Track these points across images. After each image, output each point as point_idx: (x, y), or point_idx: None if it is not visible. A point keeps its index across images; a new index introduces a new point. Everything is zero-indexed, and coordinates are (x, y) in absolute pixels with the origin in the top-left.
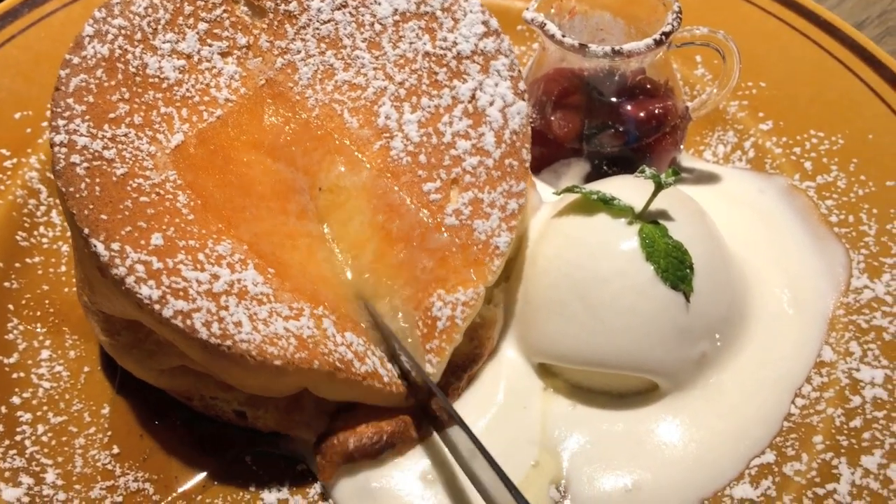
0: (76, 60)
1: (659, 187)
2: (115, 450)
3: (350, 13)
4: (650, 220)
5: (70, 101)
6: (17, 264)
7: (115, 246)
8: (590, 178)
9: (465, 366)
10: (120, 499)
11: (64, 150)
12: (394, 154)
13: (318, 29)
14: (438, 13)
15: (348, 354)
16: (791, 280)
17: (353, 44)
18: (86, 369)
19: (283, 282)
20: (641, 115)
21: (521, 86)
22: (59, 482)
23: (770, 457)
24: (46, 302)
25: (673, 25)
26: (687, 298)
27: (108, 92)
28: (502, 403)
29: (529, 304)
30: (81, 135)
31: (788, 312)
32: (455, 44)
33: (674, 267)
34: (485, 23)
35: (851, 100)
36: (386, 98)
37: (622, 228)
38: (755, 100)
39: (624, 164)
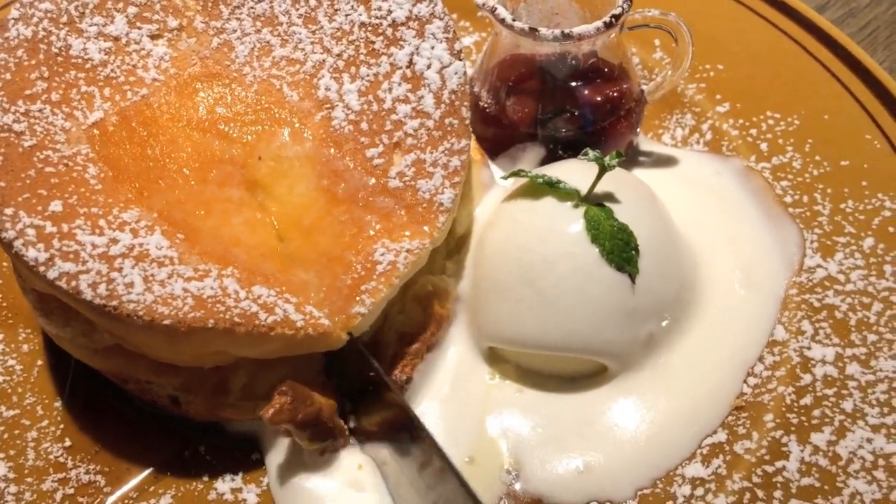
0: None
1: (603, 170)
2: (68, 442)
3: None
4: (596, 203)
5: None
6: None
7: (9, 211)
8: (545, 162)
9: (417, 334)
10: (72, 491)
11: None
12: (335, 124)
13: (252, 8)
14: None
15: (253, 308)
16: (744, 260)
17: (288, 20)
18: (38, 363)
19: (192, 245)
20: (596, 98)
21: (457, 46)
22: (11, 475)
23: (722, 436)
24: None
25: (623, 8)
26: (632, 280)
27: (27, 70)
28: (447, 391)
29: (478, 288)
30: None
31: (740, 293)
32: (390, 12)
33: (619, 249)
34: None
35: (808, 80)
36: (325, 70)
37: (568, 211)
38: (713, 82)
39: (580, 148)
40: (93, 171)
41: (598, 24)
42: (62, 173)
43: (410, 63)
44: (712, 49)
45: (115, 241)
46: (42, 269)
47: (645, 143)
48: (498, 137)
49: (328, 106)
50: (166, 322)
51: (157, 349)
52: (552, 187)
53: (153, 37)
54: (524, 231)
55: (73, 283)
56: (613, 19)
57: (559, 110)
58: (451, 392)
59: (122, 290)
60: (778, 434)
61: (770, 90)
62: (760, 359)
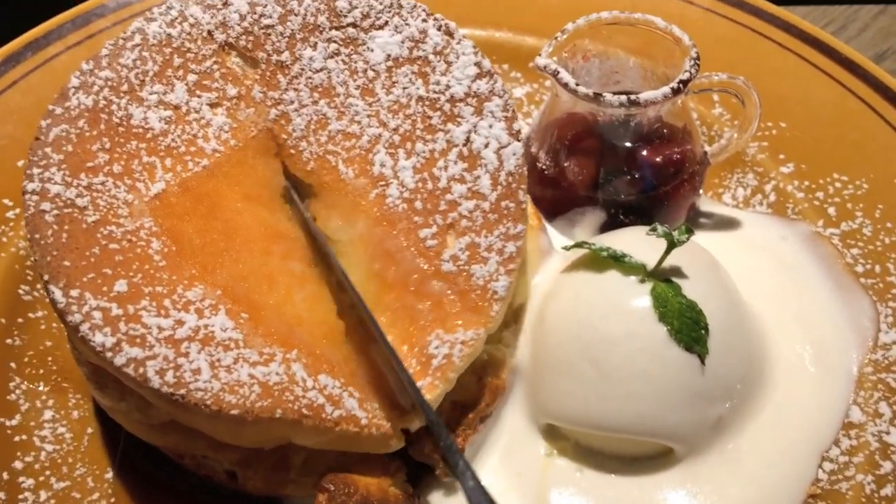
0: (59, 111)
1: (672, 245)
2: None
3: (343, 61)
4: (662, 278)
5: (48, 149)
6: (20, 319)
7: (74, 292)
8: (605, 227)
9: (472, 404)
10: None
11: (35, 197)
12: (389, 202)
13: (310, 78)
14: (431, 57)
15: (319, 399)
16: (813, 335)
17: (346, 91)
18: (89, 430)
19: (256, 326)
20: (659, 161)
21: (516, 126)
22: None
23: None
24: (49, 359)
25: (691, 73)
26: (702, 360)
27: (89, 142)
28: (501, 466)
29: (538, 362)
30: (55, 183)
31: (810, 370)
32: (448, 87)
33: (688, 328)
34: (477, 64)
35: (876, 142)
36: (380, 145)
37: (633, 287)
38: (776, 141)
39: (641, 212)
40: (156, 246)
41: (666, 90)
42: (126, 249)
43: (467, 141)
44: (774, 106)
45: (180, 322)
46: (109, 354)
47: (705, 202)
48: (556, 200)
49: (383, 183)
50: (234, 412)
51: (220, 434)
52: (617, 261)
53: (212, 105)
54: (587, 307)
55: (141, 371)
56: (681, 85)
57: (620, 172)
58: (506, 467)
59: (189, 377)
60: None
61: (836, 150)
62: (836, 442)
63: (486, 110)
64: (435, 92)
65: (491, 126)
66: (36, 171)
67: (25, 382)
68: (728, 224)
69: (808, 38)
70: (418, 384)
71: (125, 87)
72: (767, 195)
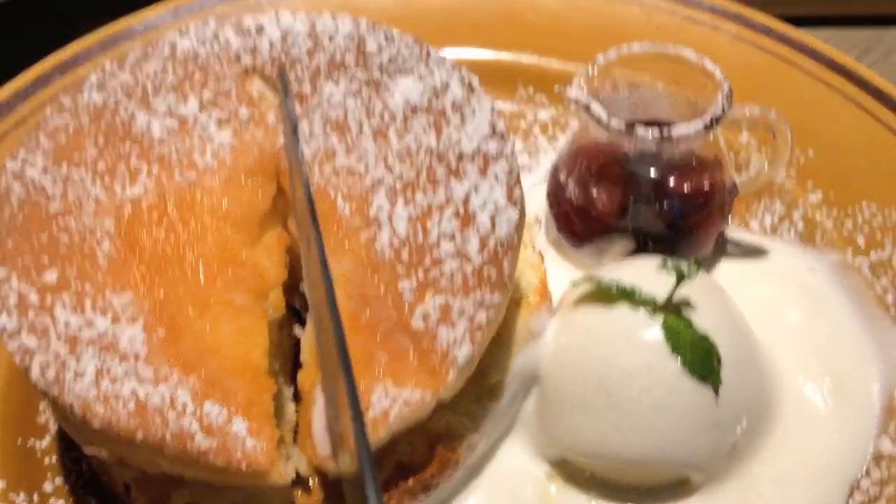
0: (67, 103)
1: (681, 280)
2: None
3: (362, 101)
4: (673, 310)
5: (41, 136)
6: None
7: (2, 272)
8: (634, 255)
9: (416, 471)
10: None
11: (10, 176)
12: (378, 247)
13: (327, 112)
14: (448, 110)
15: (192, 427)
16: (837, 366)
17: (359, 130)
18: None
19: (167, 346)
20: (689, 191)
21: (517, 192)
22: None
23: None
24: None
25: (724, 108)
26: (715, 390)
27: (84, 136)
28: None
29: (549, 400)
30: (35, 167)
31: (828, 401)
32: (459, 142)
33: (700, 359)
34: (492, 124)
35: None
36: (382, 189)
37: (645, 321)
38: (803, 168)
39: (670, 241)
40: (105, 248)
41: (698, 125)
42: (74, 244)
43: (466, 200)
44: (802, 133)
45: (90, 323)
46: (5, 336)
47: (731, 229)
48: (585, 228)
49: (376, 226)
50: (95, 423)
51: (95, 443)
52: (627, 295)
53: (221, 123)
54: (599, 342)
55: (27, 360)
56: (714, 121)
57: (649, 202)
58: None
59: (70, 378)
60: None
61: (865, 179)
62: (867, 472)
63: (490, 172)
64: (445, 145)
65: (491, 189)
66: (22, 151)
67: None
68: (755, 252)
69: (837, 66)
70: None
71: (139, 93)
72: (795, 223)
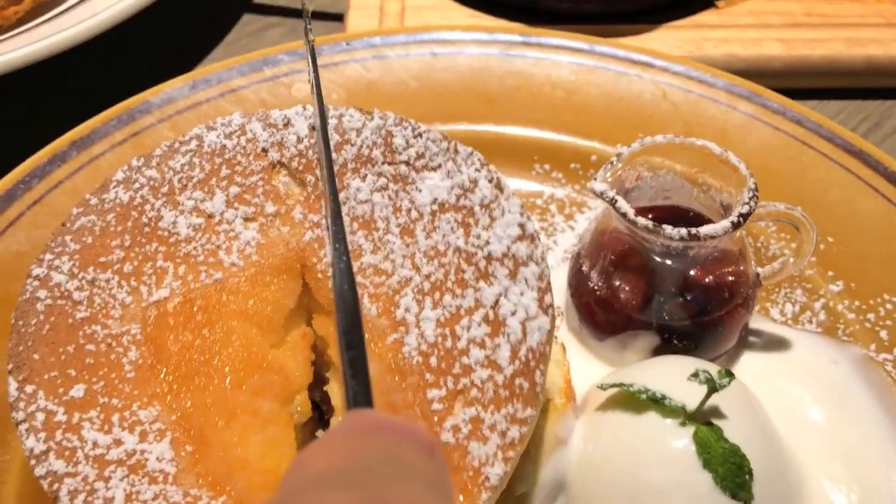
0: (94, 201)
1: (713, 391)
2: None
3: (389, 196)
4: (703, 420)
5: (68, 237)
6: None
7: (30, 388)
8: (657, 351)
9: None
10: None
11: (36, 283)
12: (406, 351)
13: (353, 208)
14: (477, 209)
15: None
16: (862, 475)
17: (386, 227)
18: None
19: (195, 463)
20: (713, 285)
21: (548, 299)
22: None
23: None
24: None
25: (751, 206)
26: None
27: (110, 237)
28: None
29: None
30: (61, 272)
31: None
32: (488, 242)
33: (732, 474)
34: (521, 225)
35: None
36: (409, 289)
37: (674, 431)
38: (824, 256)
39: (695, 336)
40: (132, 356)
41: (726, 224)
42: (100, 353)
43: (496, 304)
44: (821, 219)
45: (118, 442)
46: (33, 462)
47: (753, 319)
48: (608, 321)
49: (403, 329)
50: None
51: None
52: (656, 403)
53: (247, 219)
54: (627, 453)
55: (55, 486)
56: (741, 219)
57: (673, 296)
58: None
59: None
60: None
61: (885, 269)
62: None
63: (520, 275)
64: (474, 245)
65: (522, 294)
66: (48, 256)
67: None
68: (777, 344)
69: (853, 149)
70: None
71: (165, 189)
72: (817, 313)
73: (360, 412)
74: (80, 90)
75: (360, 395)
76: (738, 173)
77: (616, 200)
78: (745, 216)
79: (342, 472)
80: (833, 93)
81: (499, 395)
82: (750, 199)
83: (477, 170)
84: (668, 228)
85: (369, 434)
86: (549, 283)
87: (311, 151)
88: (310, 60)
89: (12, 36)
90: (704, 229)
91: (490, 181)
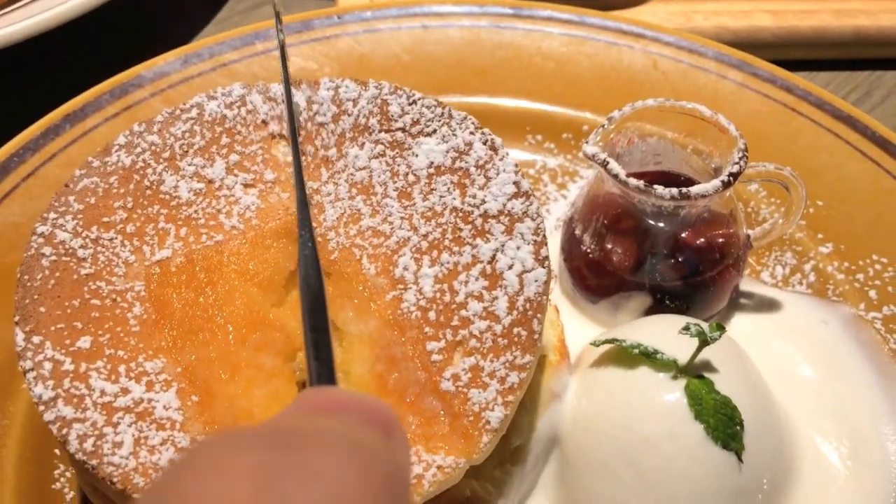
0: (96, 164)
1: (704, 344)
2: None
3: (386, 162)
4: (694, 374)
5: (71, 198)
6: None
7: (36, 339)
8: (650, 311)
9: None
10: None
11: (41, 240)
12: (404, 307)
13: (352, 175)
14: (472, 170)
15: None
16: (852, 427)
17: (384, 192)
18: None
19: (201, 412)
20: (704, 246)
21: (544, 252)
22: None
23: None
24: None
25: (741, 165)
26: (738, 457)
27: (113, 198)
28: None
29: (570, 464)
30: (65, 230)
31: (847, 464)
32: (483, 201)
33: (723, 425)
34: (516, 183)
35: None
36: (407, 249)
37: (667, 385)
38: (813, 219)
39: (686, 296)
40: (137, 311)
41: (717, 183)
42: (106, 308)
43: (493, 259)
44: (810, 183)
45: (126, 391)
46: (42, 408)
47: (744, 281)
48: (601, 283)
49: (402, 286)
50: (136, 495)
51: None
52: (648, 357)
53: (247, 185)
54: (621, 407)
55: (64, 431)
56: (731, 178)
57: (664, 257)
58: None
59: (108, 448)
60: None
61: (873, 231)
62: None
63: (516, 231)
64: (470, 205)
65: (518, 248)
66: (52, 215)
67: (70, 470)
68: (768, 305)
69: (841, 114)
70: None
71: (166, 154)
72: (807, 275)
73: (319, 389)
74: (73, 66)
75: (322, 374)
76: (728, 135)
77: (608, 162)
78: (735, 175)
79: (259, 436)
80: (822, 64)
81: (497, 343)
82: (740, 158)
83: (471, 133)
84: (659, 188)
85: (319, 410)
86: (544, 236)
87: (309, 124)
88: (282, 60)
89: (5, 13)
90: (695, 188)
91: (485, 143)
